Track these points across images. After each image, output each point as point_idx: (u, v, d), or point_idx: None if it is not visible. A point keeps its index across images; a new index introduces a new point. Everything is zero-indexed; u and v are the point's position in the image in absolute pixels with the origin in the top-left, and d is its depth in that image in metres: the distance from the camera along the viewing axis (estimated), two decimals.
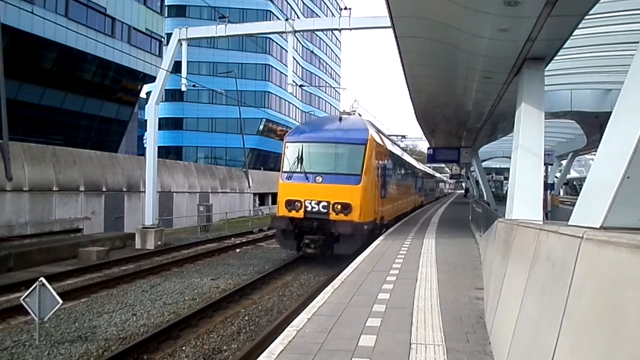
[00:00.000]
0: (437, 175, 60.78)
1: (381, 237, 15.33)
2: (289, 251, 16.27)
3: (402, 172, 23.98)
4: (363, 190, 14.28)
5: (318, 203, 14.18)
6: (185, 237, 22.83)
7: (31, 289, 8.13)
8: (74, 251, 16.77)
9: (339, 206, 14.04)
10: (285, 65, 50.81)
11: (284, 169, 15.18)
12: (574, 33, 8.43)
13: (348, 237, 13.91)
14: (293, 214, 14.39)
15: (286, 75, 41.58)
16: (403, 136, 41.03)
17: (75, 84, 29.49)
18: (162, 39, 36.78)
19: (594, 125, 19.07)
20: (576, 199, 4.68)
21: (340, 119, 17.35)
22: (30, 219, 19.41)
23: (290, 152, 15.26)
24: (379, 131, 19.20)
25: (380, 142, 16.88)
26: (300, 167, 14.71)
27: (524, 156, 8.90)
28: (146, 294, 11.58)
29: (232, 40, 48.44)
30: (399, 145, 31.05)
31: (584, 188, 4.23)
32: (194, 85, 25.93)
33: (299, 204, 14.35)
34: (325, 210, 14.14)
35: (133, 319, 9.55)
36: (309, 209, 14.24)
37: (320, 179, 14.35)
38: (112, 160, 26.01)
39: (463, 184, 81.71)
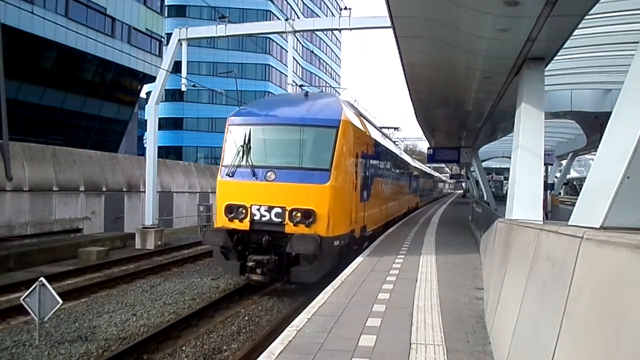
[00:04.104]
0: (435, 174, 59.40)
1: (381, 237, 15.25)
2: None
3: (393, 168, 20.27)
4: (333, 191, 10.49)
5: (269, 209, 10.45)
6: (185, 237, 22.82)
7: (31, 289, 8.13)
8: (74, 251, 16.75)
9: (299, 214, 10.31)
10: (285, 65, 50.88)
11: (224, 162, 11.35)
12: (574, 33, 8.43)
13: (310, 258, 10.25)
14: (235, 224, 10.71)
15: (286, 75, 41.58)
16: (396, 128, 36.00)
17: (75, 84, 29.50)
18: (162, 39, 36.78)
19: (594, 125, 19.06)
20: (576, 199, 4.68)
21: (307, 94, 13.12)
22: (30, 219, 19.40)
23: (233, 138, 11.40)
24: (360, 115, 15.04)
25: (361, 128, 12.97)
26: (246, 160, 10.94)
27: (524, 156, 8.90)
28: (146, 294, 11.58)
29: (232, 40, 48.46)
30: (390, 138, 26.89)
31: (584, 188, 4.23)
32: (194, 85, 25.91)
33: (243, 211, 10.63)
34: (279, 220, 10.38)
35: (133, 319, 9.54)
36: (256, 217, 10.52)
37: (273, 176, 10.63)
38: (112, 160, 26.01)
39: (463, 184, 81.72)
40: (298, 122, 11.19)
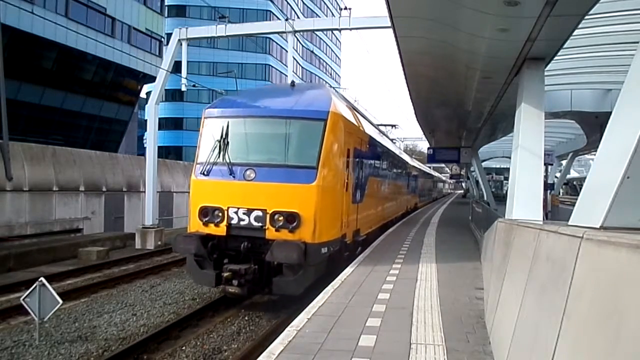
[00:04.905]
0: (435, 173, 58.66)
1: (381, 237, 15.23)
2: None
3: (389, 167, 19.08)
4: (320, 191, 9.32)
5: (248, 212, 9.29)
6: None
7: (31, 289, 8.13)
8: (74, 251, 16.76)
9: (281, 218, 9.15)
10: (285, 65, 50.92)
11: (199, 160, 10.16)
12: (574, 33, 8.43)
13: (294, 267, 9.09)
14: (210, 229, 9.54)
15: (286, 75, 41.59)
16: (393, 125, 33.62)
17: (75, 84, 29.50)
18: (162, 39, 36.78)
19: (594, 125, 19.07)
20: (576, 199, 4.69)
21: (294, 84, 12.04)
22: (30, 219, 19.40)
23: (209, 132, 10.25)
24: (354, 109, 13.81)
25: (354, 122, 11.73)
26: (223, 157, 9.77)
27: (524, 156, 8.90)
28: (146, 294, 11.58)
29: (232, 40, 48.45)
30: (387, 136, 25.24)
31: (584, 188, 4.24)
32: (194, 85, 25.93)
33: (219, 214, 9.48)
34: (260, 224, 9.22)
35: (133, 319, 9.55)
36: (234, 221, 9.36)
37: (253, 175, 9.46)
38: (112, 160, 26.02)
39: (463, 184, 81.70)
40: (281, 114, 10.07)
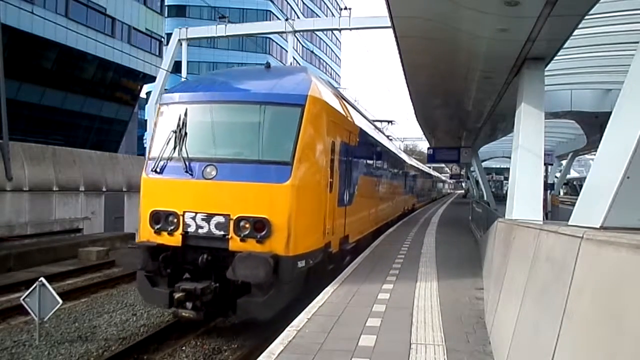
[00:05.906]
0: (435, 173, 57.39)
1: (381, 237, 15.21)
2: None
3: (384, 164, 17.42)
4: (295, 192, 7.69)
5: (208, 218, 7.71)
6: None
7: (31, 289, 8.13)
8: (74, 251, 16.76)
9: (248, 225, 7.56)
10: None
11: (151, 154, 8.64)
12: (574, 33, 8.44)
13: (264, 287, 7.42)
14: (163, 238, 7.94)
15: None
16: (390, 121, 31.28)
17: (75, 84, 29.53)
18: (162, 39, 36.82)
19: (594, 125, 19.08)
20: (576, 199, 4.69)
21: (269, 65, 10.06)
22: (30, 219, 19.40)
23: (164, 121, 8.66)
24: (342, 97, 12.09)
25: (341, 112, 10.06)
26: (179, 151, 8.17)
27: (524, 156, 8.91)
28: None
29: (232, 40, 48.50)
30: (383, 132, 23.03)
31: (584, 188, 4.24)
32: None
33: (173, 221, 7.88)
34: (222, 233, 7.64)
35: (133, 319, 9.54)
36: (191, 229, 7.78)
37: (214, 172, 7.90)
38: (112, 160, 26.02)
39: (463, 184, 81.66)
40: (248, 99, 8.50)
